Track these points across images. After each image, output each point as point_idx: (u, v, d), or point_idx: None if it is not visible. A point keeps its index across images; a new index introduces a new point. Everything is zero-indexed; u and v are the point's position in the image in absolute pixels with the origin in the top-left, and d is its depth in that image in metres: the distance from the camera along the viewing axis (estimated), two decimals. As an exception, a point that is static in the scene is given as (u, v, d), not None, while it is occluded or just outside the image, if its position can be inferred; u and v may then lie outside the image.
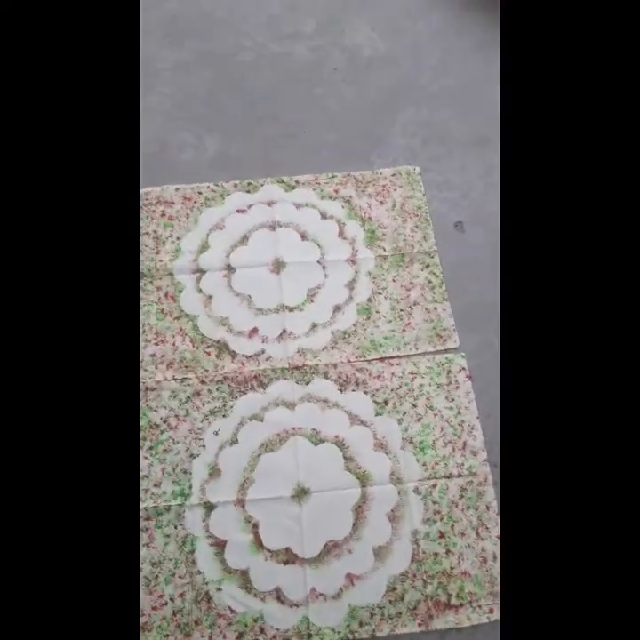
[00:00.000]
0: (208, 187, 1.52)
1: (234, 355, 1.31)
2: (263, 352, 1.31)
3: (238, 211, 1.49)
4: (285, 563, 1.11)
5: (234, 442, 1.22)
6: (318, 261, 1.42)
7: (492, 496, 1.16)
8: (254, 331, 1.33)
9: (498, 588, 1.08)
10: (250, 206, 1.49)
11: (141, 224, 1.46)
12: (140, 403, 1.24)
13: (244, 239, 1.45)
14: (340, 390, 1.27)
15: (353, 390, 1.27)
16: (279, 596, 1.08)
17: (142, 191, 1.50)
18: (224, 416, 1.24)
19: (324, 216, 1.48)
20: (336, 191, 1.52)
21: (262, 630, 1.06)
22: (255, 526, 1.14)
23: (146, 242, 1.43)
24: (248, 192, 1.51)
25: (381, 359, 1.30)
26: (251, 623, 1.06)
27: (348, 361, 1.30)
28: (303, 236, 1.45)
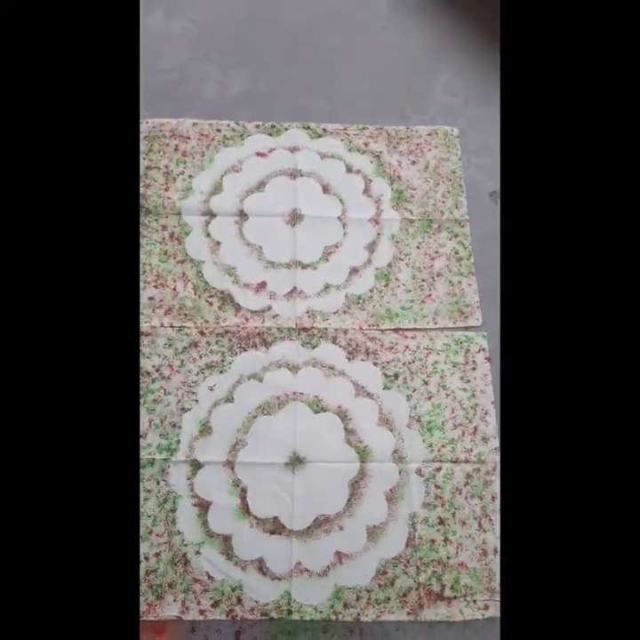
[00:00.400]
0: (228, 125, 1.40)
1: (238, 308, 1.21)
2: (270, 308, 1.21)
3: (258, 154, 1.37)
4: (272, 532, 1.03)
5: (229, 400, 1.13)
6: (338, 217, 1.31)
7: (499, 486, 1.08)
8: (262, 285, 1.24)
9: (495, 585, 1.01)
10: (271, 150, 1.38)
11: (152, 157, 1.34)
12: (133, 347, 1.15)
13: (261, 185, 1.34)
14: (348, 358, 1.18)
15: (362, 360, 1.18)
16: (261, 566, 1.01)
17: (156, 122, 1.38)
18: (221, 372, 1.15)
19: (349, 169, 1.37)
20: (365, 144, 1.40)
21: (239, 600, 0.99)
22: (243, 491, 1.06)
23: (155, 176, 1.32)
24: (270, 135, 1.39)
25: (396, 330, 1.21)
26: (228, 592, 0.99)
27: (360, 328, 1.20)
28: (325, 189, 1.34)
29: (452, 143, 1.41)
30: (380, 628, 0.98)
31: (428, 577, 1.01)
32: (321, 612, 0.99)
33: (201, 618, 0.97)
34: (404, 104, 1.47)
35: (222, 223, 1.29)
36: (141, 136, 1.37)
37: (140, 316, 1.18)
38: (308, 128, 1.41)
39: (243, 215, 1.30)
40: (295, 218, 1.30)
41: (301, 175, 1.35)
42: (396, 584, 1.01)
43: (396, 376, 1.17)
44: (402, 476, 1.08)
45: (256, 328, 1.19)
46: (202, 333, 1.18)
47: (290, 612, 0.98)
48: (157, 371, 1.14)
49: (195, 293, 1.22)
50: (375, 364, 1.18)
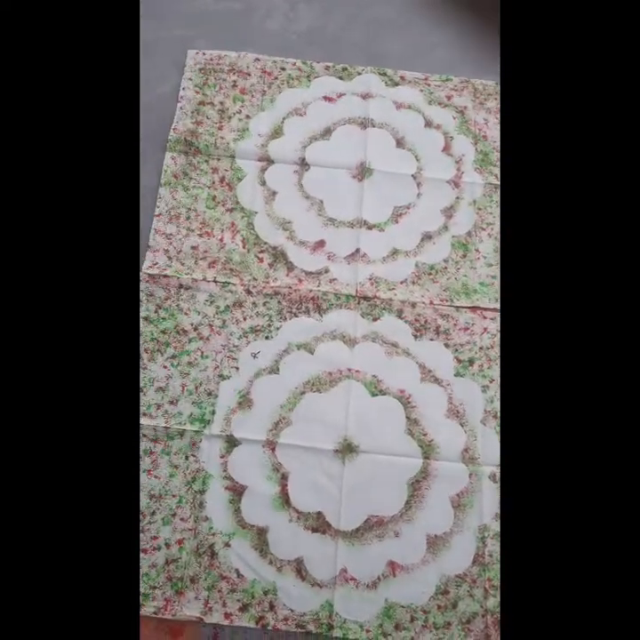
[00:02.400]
0: (294, 63, 1.23)
1: (291, 267, 1.05)
2: (327, 271, 1.05)
3: (325, 98, 1.20)
4: (314, 530, 0.87)
5: (274, 370, 0.97)
6: (413, 176, 1.14)
7: (588, 504, 0.90)
8: (320, 243, 1.07)
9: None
10: (340, 95, 1.21)
11: (206, 92, 1.18)
12: (170, 302, 1.00)
13: (327, 132, 1.17)
14: (415, 336, 1.01)
15: (431, 339, 1.01)
16: (300, 569, 0.85)
17: (214, 54, 1.22)
18: (267, 337, 0.99)
19: (429, 124, 1.19)
20: (448, 98, 1.22)
21: (272, 607, 0.83)
22: (284, 477, 0.90)
23: (208, 113, 1.16)
24: (341, 79, 1.22)
25: (473, 308, 1.03)
26: (259, 595, 0.84)
27: (431, 303, 1.03)
28: (399, 143, 1.17)
29: (548, 104, 1.22)
30: (436, 657, 0.82)
31: (497, 603, 0.84)
32: (368, 631, 0.82)
33: (226, 622, 0.82)
34: (495, 56, 1.28)
35: (280, 171, 1.13)
36: (196, 67, 1.21)
37: (181, 266, 1.03)
38: (384, 74, 1.23)
39: (304, 164, 1.13)
40: (363, 171, 1.13)
41: (373, 125, 1.18)
42: (459, 607, 0.84)
43: (471, 362, 0.99)
44: (472, 480, 0.91)
45: (310, 291, 1.03)
46: (248, 292, 1.02)
47: (330, 628, 0.82)
48: (195, 330, 0.99)
49: (244, 247, 1.06)
50: (446, 346, 1.00)
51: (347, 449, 0.92)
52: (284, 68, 1.23)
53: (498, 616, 0.83)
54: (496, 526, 0.88)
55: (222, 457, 0.91)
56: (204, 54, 1.23)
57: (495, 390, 0.97)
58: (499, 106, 1.21)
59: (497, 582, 0.85)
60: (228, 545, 0.86)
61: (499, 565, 0.86)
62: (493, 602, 0.84)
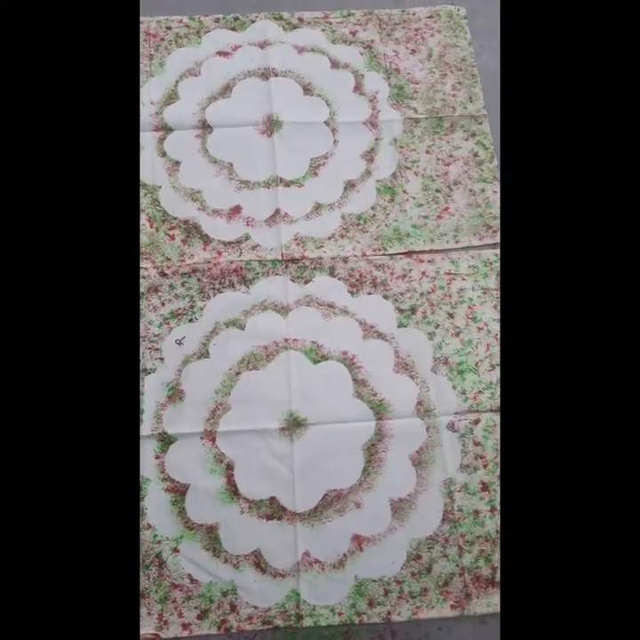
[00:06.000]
0: (180, 20, 1.12)
1: (207, 240, 0.96)
2: (248, 238, 0.96)
3: (220, 53, 1.10)
4: (269, 518, 0.80)
5: (203, 355, 0.89)
6: (326, 122, 1.05)
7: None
8: (236, 210, 0.98)
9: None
10: (235, 48, 1.10)
11: (87, 65, 1.07)
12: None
13: (226, 89, 1.07)
14: (352, 292, 0.93)
15: (368, 293, 0.93)
16: (259, 561, 0.78)
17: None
18: (190, 320, 0.91)
19: (335, 65, 1.10)
20: (353, 33, 1.12)
21: (234, 608, 0.76)
22: (229, 467, 0.83)
23: (91, 87, 1.05)
24: (234, 30, 1.12)
25: (408, 253, 0.96)
26: (218, 598, 0.77)
27: (364, 255, 0.96)
28: (306, 89, 1.07)
29: (459, 26, 1.14)
30: (417, 628, 0.76)
31: (474, 558, 0.79)
32: (340, 613, 0.76)
33: (185, 634, 0.75)
34: (396, -17, 1.19)
35: (180, 138, 1.03)
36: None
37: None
38: (280, 18, 1.13)
39: (206, 127, 1.03)
40: (272, 126, 1.04)
41: (275, 75, 1.08)
42: (434, 570, 0.78)
43: (414, 310, 0.92)
44: (430, 434, 0.85)
45: (232, 263, 0.94)
46: (163, 274, 0.93)
47: (300, 618, 0.76)
48: (108, 324, 0.90)
49: (151, 226, 0.96)
50: (386, 297, 0.93)
51: (294, 425, 0.85)
52: (169, 28, 1.11)
53: (476, 572, 0.78)
54: (462, 478, 0.82)
55: (157, 457, 0.83)
56: (78, 24, 1.11)
57: (442, 336, 0.90)
58: (407, 35, 1.12)
59: (470, 537, 0.79)
60: (176, 550, 0.78)
61: (470, 519, 0.80)
62: (469, 558, 0.79)
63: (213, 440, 0.84)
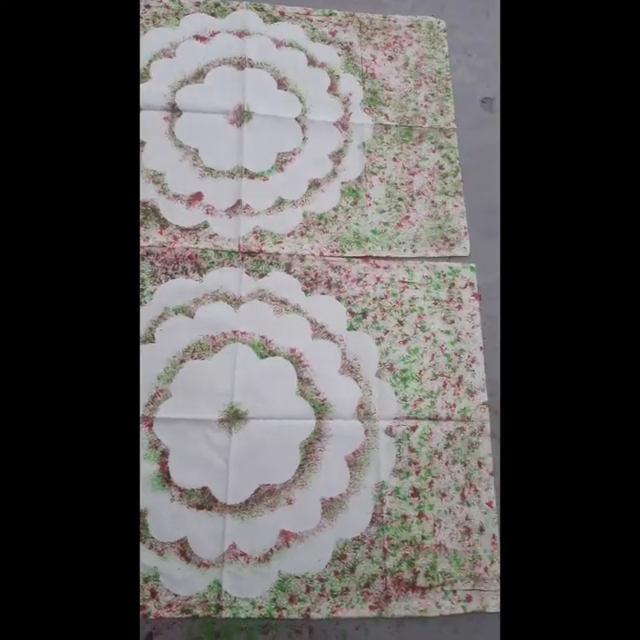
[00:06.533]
0: (160, 0, 1.10)
1: (164, 224, 0.95)
2: (206, 226, 0.95)
3: (197, 37, 1.09)
4: (199, 507, 0.80)
5: (149, 339, 0.88)
6: (297, 119, 1.05)
7: (487, 450, 0.87)
8: (197, 196, 0.97)
9: (480, 571, 0.81)
10: (213, 34, 1.09)
11: (58, 33, 1.04)
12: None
13: (200, 75, 1.06)
14: (305, 291, 0.94)
15: (322, 293, 0.94)
16: (184, 550, 0.78)
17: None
18: (139, 304, 0.90)
19: (312, 62, 1.10)
20: (332, 33, 1.13)
21: (154, 594, 0.76)
22: (164, 454, 0.82)
23: (61, 56, 1.02)
24: (213, 15, 1.11)
25: (365, 258, 0.97)
26: (139, 584, 0.76)
27: (321, 254, 0.96)
28: (280, 84, 1.07)
29: (438, 38, 1.15)
30: (335, 626, 0.77)
31: (397, 562, 0.80)
32: (260, 607, 0.77)
33: (101, 618, 0.74)
34: (381, -12, 1.19)
35: (148, 118, 1.01)
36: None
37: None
38: (262, 9, 1.12)
39: (175, 110, 1.02)
40: (242, 116, 1.03)
41: (251, 66, 1.07)
42: (358, 571, 0.79)
43: (365, 314, 0.93)
44: (368, 437, 0.86)
45: (187, 250, 0.93)
46: (115, 255, 0.91)
47: (219, 609, 0.76)
48: (53, 300, 0.88)
49: (108, 204, 0.94)
50: (338, 299, 0.94)
51: (233, 417, 0.85)
52: (148, 6, 1.10)
53: (398, 576, 0.79)
54: (394, 482, 0.84)
55: (91, 439, 0.82)
56: (53, -10, 1.08)
57: (390, 342, 0.92)
58: (386, 41, 1.13)
59: (396, 541, 0.81)
60: (100, 534, 0.77)
61: (397, 523, 0.82)
62: (393, 561, 0.80)
63: (150, 425, 0.83)
